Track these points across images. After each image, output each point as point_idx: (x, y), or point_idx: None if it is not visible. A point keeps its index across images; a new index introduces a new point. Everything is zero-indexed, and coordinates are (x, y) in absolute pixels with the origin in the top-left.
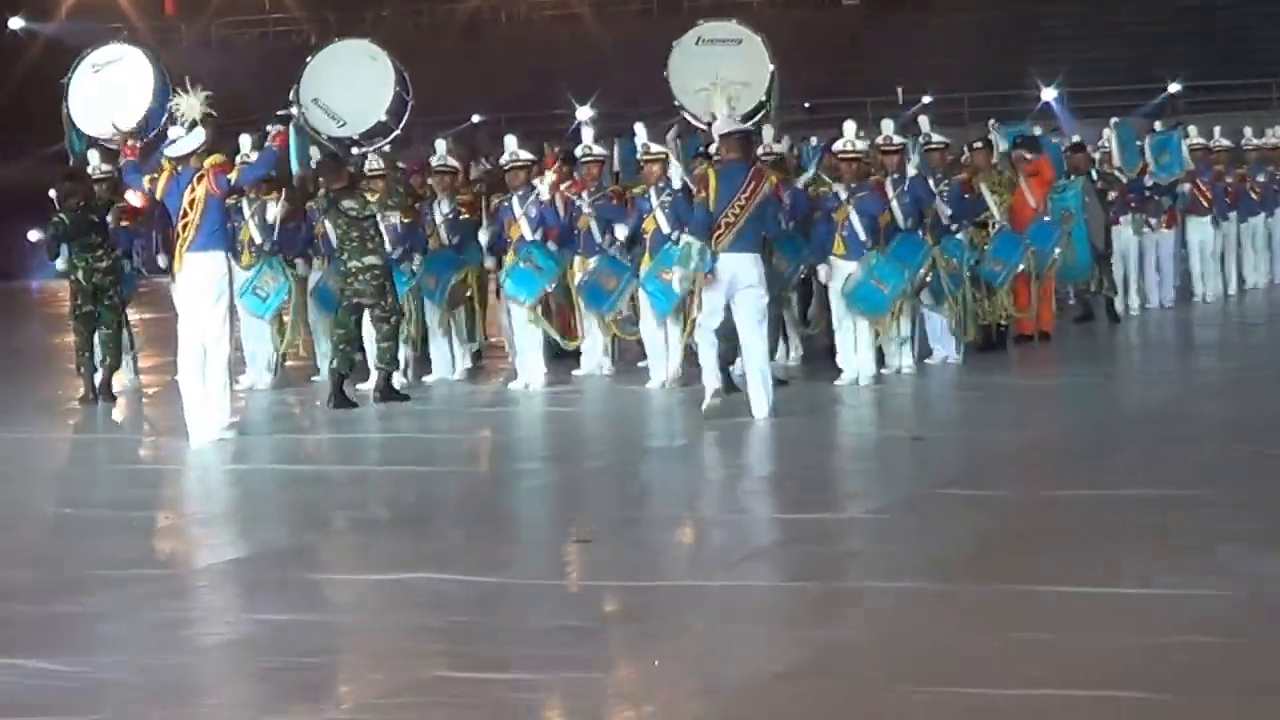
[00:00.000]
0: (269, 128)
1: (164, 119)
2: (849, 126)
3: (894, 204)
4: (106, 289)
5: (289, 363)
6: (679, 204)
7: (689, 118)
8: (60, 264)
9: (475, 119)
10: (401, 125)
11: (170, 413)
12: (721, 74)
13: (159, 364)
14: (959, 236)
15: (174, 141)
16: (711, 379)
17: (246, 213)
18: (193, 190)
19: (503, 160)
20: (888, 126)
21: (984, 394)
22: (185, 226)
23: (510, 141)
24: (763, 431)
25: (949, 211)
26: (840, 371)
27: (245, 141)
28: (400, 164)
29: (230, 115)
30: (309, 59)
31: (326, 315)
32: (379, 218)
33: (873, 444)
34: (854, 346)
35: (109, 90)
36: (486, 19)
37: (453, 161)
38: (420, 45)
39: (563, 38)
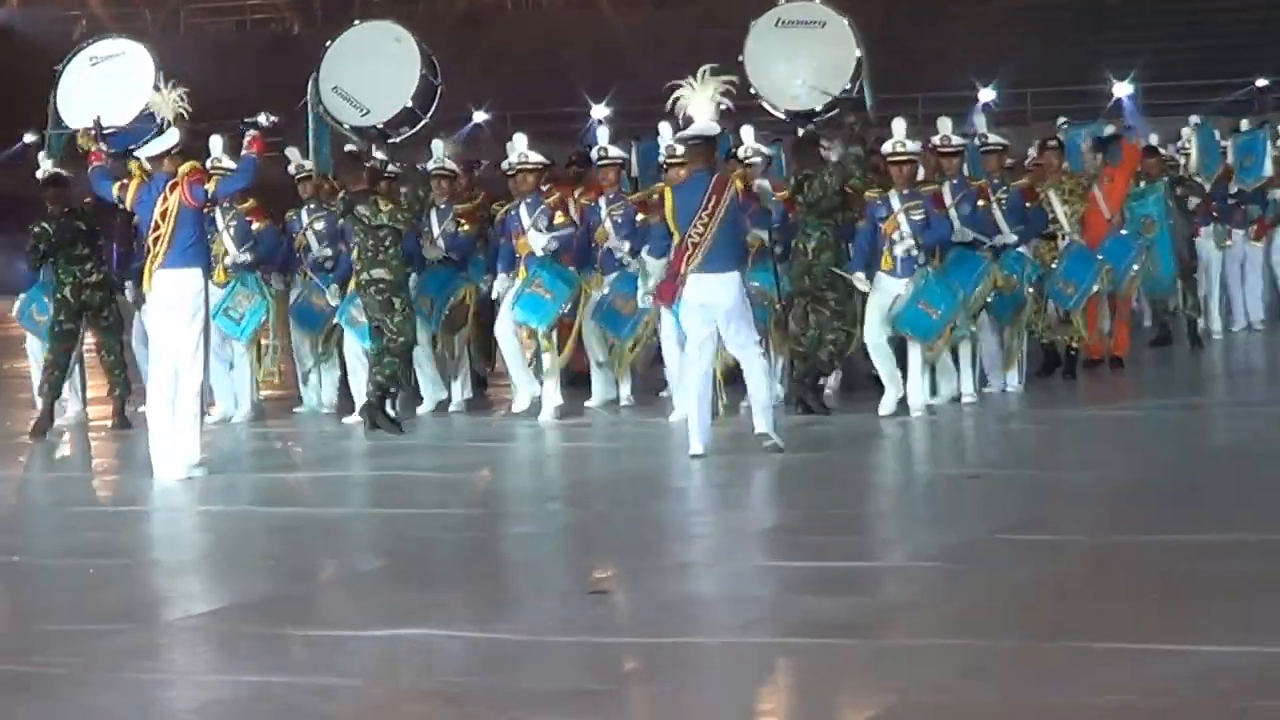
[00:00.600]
0: (246, 131)
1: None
2: (899, 125)
3: (953, 213)
4: (99, 307)
5: (266, 393)
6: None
7: (769, 108)
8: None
9: (480, 118)
10: (431, 113)
11: (128, 448)
12: (802, 60)
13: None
14: (1020, 250)
15: (145, 143)
16: (699, 430)
17: (220, 223)
18: (165, 200)
19: (509, 163)
20: (945, 125)
21: (1049, 427)
22: (157, 240)
23: (518, 141)
24: (796, 469)
25: (1000, 225)
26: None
27: (216, 144)
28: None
29: (202, 115)
30: (328, 44)
31: (310, 335)
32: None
33: (921, 483)
34: (894, 370)
35: (103, 86)
36: (489, 5)
37: (451, 165)
38: (414, 34)
39: (574, 27)
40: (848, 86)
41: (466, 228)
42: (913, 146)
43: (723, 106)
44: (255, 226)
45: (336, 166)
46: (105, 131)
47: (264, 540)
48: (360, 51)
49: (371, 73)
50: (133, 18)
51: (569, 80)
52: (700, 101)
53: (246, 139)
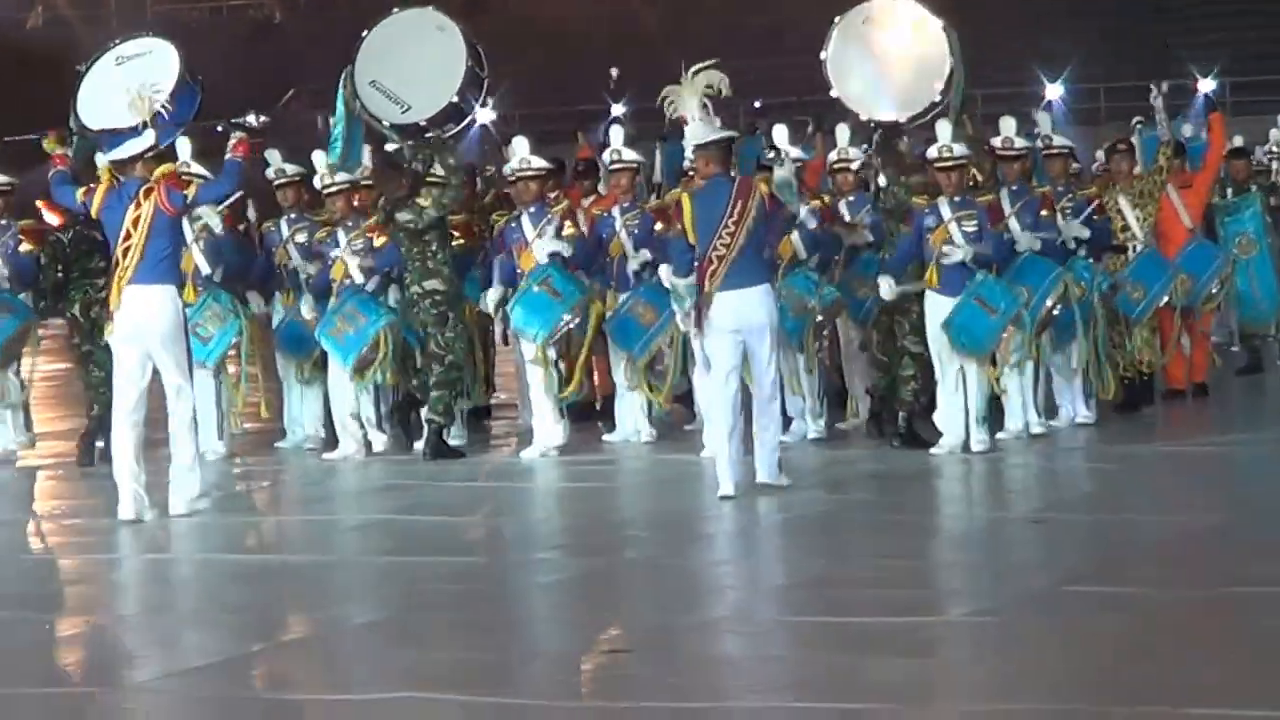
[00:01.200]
0: (230, 133)
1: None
2: (943, 127)
3: (1012, 223)
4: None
5: (242, 426)
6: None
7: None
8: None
9: (488, 117)
10: (476, 108)
11: (82, 487)
12: (889, 63)
13: (69, 428)
14: (1087, 258)
15: (116, 145)
16: (729, 468)
17: (189, 234)
18: (138, 206)
19: (510, 168)
20: (1009, 125)
21: (1123, 465)
22: (127, 252)
23: (520, 145)
24: (838, 513)
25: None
26: (939, 436)
27: (184, 148)
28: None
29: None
30: (364, 34)
31: (296, 359)
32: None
33: (979, 529)
34: (960, 403)
35: (125, 87)
36: None
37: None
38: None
39: (590, 15)
40: (937, 100)
41: (462, 241)
42: (960, 150)
43: (706, 104)
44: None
45: (372, 174)
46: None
47: (240, 591)
48: (399, 42)
49: (412, 65)
50: (93, 4)
51: (583, 73)
52: (691, 102)
53: (232, 141)
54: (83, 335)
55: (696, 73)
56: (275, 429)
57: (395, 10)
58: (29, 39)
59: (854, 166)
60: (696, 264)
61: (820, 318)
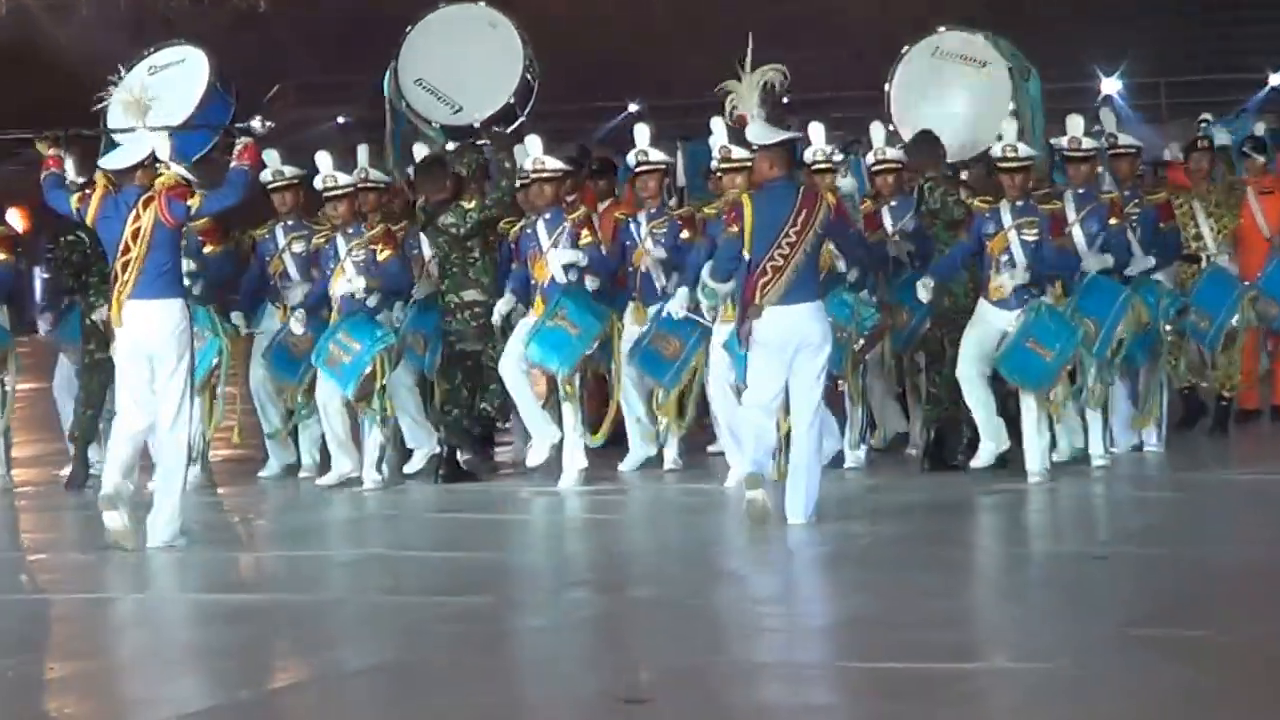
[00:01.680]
0: (235, 138)
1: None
2: (1008, 125)
3: (1076, 231)
4: None
5: (223, 453)
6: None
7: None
8: (44, 326)
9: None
10: (528, 109)
11: (59, 519)
12: (952, 105)
13: (40, 453)
14: (1156, 276)
15: (111, 150)
16: (751, 468)
17: None
18: (138, 217)
19: (521, 170)
20: (1076, 124)
21: (1193, 495)
22: (126, 265)
23: (533, 144)
24: (879, 548)
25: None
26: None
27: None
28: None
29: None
30: (408, 29)
31: (288, 385)
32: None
33: (1032, 565)
34: (993, 416)
35: (161, 96)
36: None
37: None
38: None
39: (606, 5)
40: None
41: None
42: (1025, 150)
43: (767, 100)
44: (207, 250)
45: (416, 174)
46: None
47: (226, 634)
48: (447, 39)
49: (462, 63)
50: None
51: (599, 69)
52: (751, 100)
53: (238, 147)
54: (100, 344)
55: (753, 68)
56: (255, 456)
57: (441, 4)
58: None
59: (895, 166)
60: (746, 274)
61: (862, 342)
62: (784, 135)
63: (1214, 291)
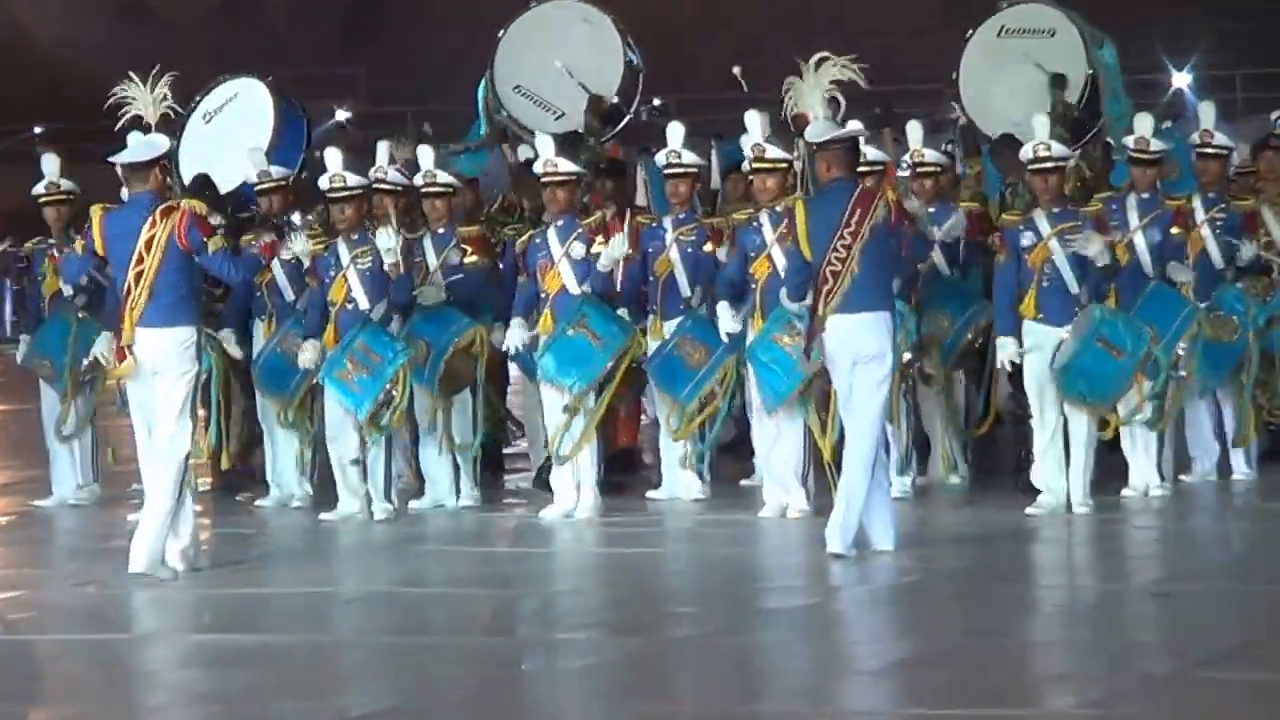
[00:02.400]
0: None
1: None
2: (1040, 122)
3: (1138, 238)
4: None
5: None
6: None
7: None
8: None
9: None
10: (634, 108)
11: (36, 553)
12: (1023, 79)
13: (11, 480)
14: (1237, 285)
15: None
16: (839, 527)
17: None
18: (154, 224)
19: (533, 173)
20: (1145, 123)
21: (1270, 527)
22: (140, 276)
23: (545, 145)
24: (926, 582)
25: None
26: (1036, 494)
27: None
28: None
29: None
30: (500, 33)
31: (277, 398)
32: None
33: (1091, 602)
34: (1060, 455)
35: (221, 143)
36: None
37: (446, 178)
38: (427, 8)
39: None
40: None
41: (474, 258)
42: (1059, 150)
43: (830, 98)
44: None
45: (515, 180)
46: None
47: (216, 677)
48: (541, 40)
49: (560, 65)
50: None
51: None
52: (814, 97)
53: (262, 240)
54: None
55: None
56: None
57: (532, 4)
58: None
59: (934, 169)
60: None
61: (908, 355)
62: (841, 134)
63: None
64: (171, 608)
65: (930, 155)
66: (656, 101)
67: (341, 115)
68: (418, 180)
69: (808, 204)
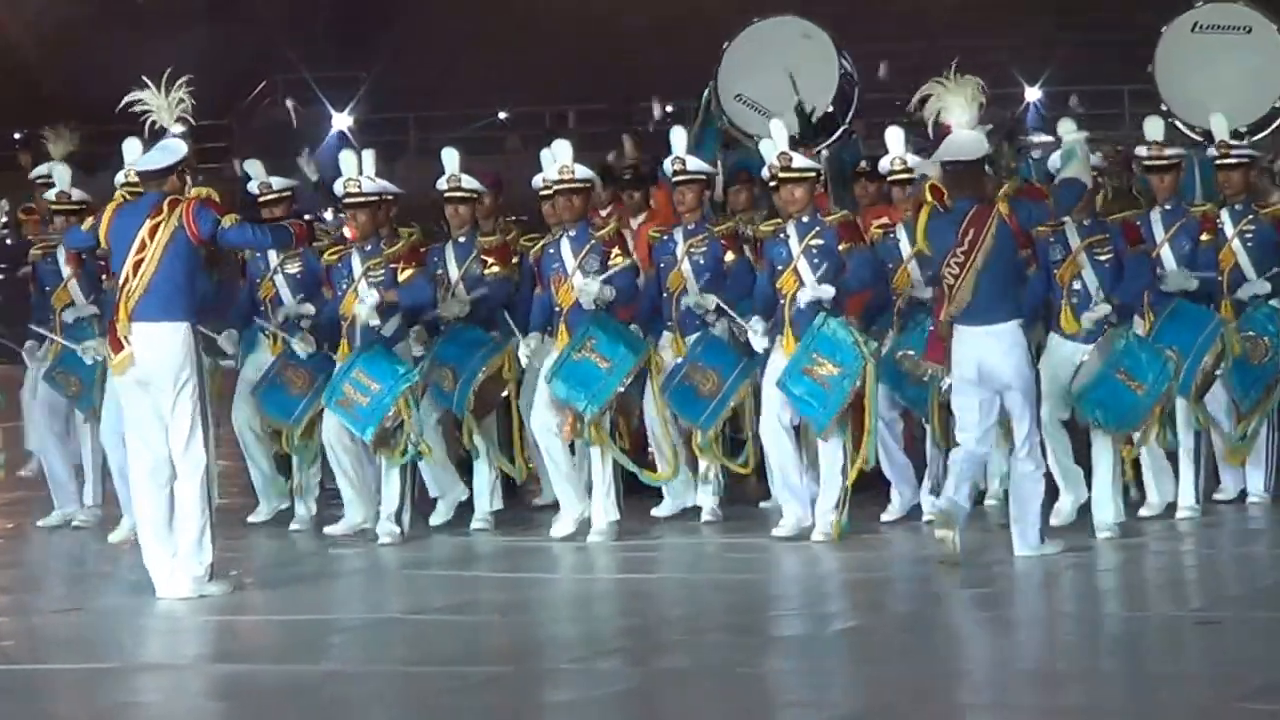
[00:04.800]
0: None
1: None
2: (1067, 126)
3: (1165, 251)
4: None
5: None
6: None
7: (1182, 127)
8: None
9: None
10: (850, 118)
11: (18, 575)
12: (1222, 72)
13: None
14: (1272, 303)
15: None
16: (944, 504)
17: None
18: (159, 212)
19: (543, 179)
20: (1155, 128)
21: None
22: (138, 266)
23: (561, 150)
24: (952, 611)
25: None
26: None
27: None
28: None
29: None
30: (725, 45)
31: (281, 424)
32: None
33: (1123, 630)
34: (1073, 465)
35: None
36: None
37: (471, 182)
38: (440, 10)
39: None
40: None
41: (496, 269)
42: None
43: (981, 107)
44: None
45: (729, 181)
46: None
47: (217, 711)
48: (764, 53)
49: (780, 76)
50: None
51: (632, 68)
52: (958, 104)
53: (296, 223)
54: None
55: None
56: (240, 504)
57: (755, 20)
58: None
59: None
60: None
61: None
62: (964, 158)
63: None
64: (171, 635)
65: (913, 160)
66: (669, 107)
67: (345, 128)
68: (441, 184)
69: (931, 215)
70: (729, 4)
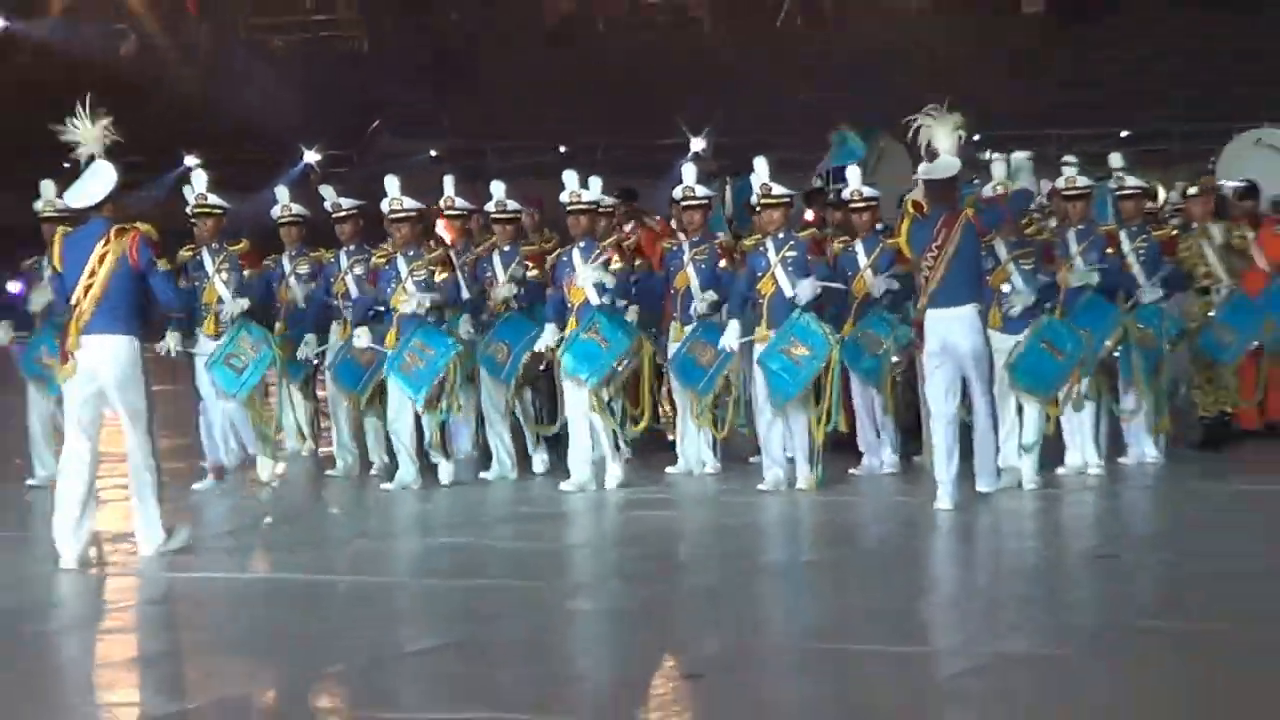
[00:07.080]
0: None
1: None
2: (1018, 158)
3: (1078, 261)
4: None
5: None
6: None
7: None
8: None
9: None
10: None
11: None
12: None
13: None
14: (1158, 304)
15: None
16: (948, 484)
17: (210, 267)
18: (108, 241)
19: (562, 200)
20: (1070, 169)
21: (1200, 501)
22: (89, 289)
23: (569, 178)
24: (906, 546)
25: (1137, 277)
26: (998, 472)
27: (200, 180)
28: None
29: (257, 138)
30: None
31: (350, 393)
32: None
33: (1045, 563)
34: (1018, 439)
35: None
36: (579, 20)
37: (513, 205)
38: (495, 54)
39: (673, 48)
40: None
41: (535, 272)
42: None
43: (960, 138)
44: (246, 274)
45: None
46: None
47: (287, 616)
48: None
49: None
50: (183, 32)
51: (660, 107)
52: (944, 132)
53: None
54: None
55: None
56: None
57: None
58: (119, 66)
59: (872, 204)
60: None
61: (896, 357)
62: (941, 175)
63: (1241, 313)
64: (246, 554)
65: (869, 193)
66: (700, 144)
67: (431, 153)
68: (489, 207)
69: (913, 222)
70: (752, 64)
